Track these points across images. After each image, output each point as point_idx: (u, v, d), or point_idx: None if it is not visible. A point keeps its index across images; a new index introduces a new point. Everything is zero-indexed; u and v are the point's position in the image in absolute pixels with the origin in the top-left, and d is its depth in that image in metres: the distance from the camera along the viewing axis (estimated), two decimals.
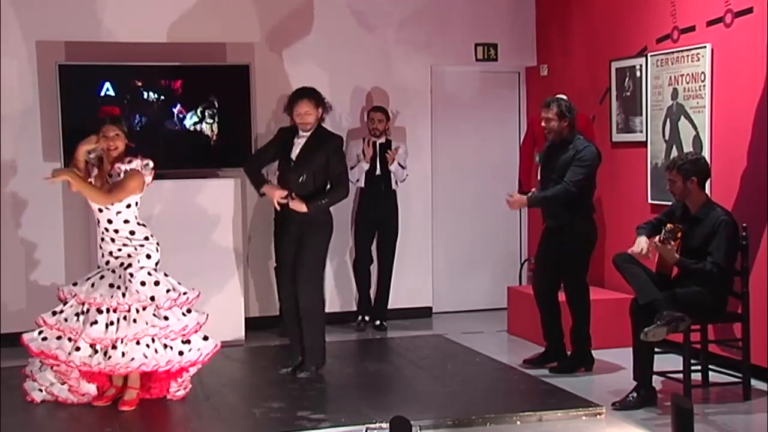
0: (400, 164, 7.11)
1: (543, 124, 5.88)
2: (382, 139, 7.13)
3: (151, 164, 5.10)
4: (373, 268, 7.32)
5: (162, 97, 6.71)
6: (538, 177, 6.16)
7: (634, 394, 5.16)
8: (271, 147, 5.71)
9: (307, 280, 5.52)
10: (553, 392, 5.38)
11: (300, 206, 5.48)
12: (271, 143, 5.74)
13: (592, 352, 5.97)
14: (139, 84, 6.65)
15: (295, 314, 5.59)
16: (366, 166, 7.06)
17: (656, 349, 5.18)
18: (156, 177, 6.46)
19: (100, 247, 5.11)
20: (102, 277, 5.08)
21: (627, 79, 6.77)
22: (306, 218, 5.49)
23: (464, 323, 7.37)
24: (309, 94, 5.55)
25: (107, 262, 5.10)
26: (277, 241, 5.65)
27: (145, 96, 6.67)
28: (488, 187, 7.68)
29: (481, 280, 7.87)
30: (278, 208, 5.54)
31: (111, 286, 5.02)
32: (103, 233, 5.07)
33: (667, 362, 5.31)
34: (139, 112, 6.66)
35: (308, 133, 5.54)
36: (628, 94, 6.76)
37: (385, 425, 4.47)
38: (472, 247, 7.89)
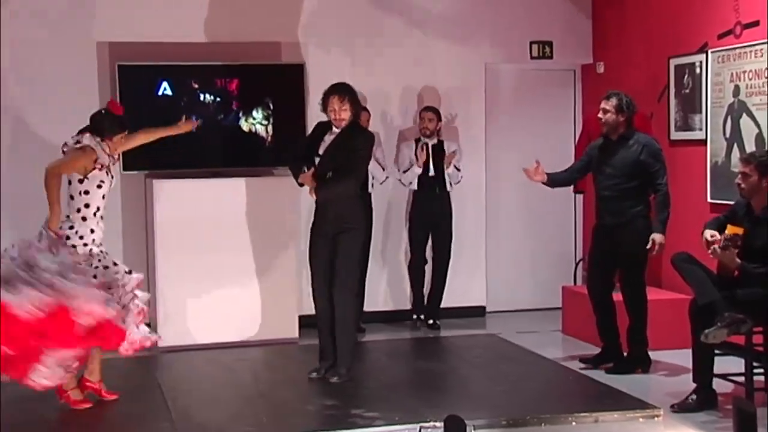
0: (456, 167, 7.06)
1: (600, 114, 5.80)
2: (434, 140, 7.08)
3: None
4: (427, 268, 7.28)
5: (218, 98, 6.78)
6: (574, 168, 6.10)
7: (694, 396, 5.06)
8: (305, 142, 5.63)
9: (342, 288, 5.41)
10: (610, 393, 5.30)
11: (310, 181, 5.33)
12: (306, 138, 5.70)
13: (650, 353, 5.86)
14: (196, 86, 6.74)
15: (330, 319, 5.48)
16: (418, 171, 7.02)
17: (716, 351, 5.06)
18: (211, 176, 6.66)
19: (92, 231, 4.98)
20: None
21: (686, 76, 6.64)
22: (340, 218, 5.38)
23: (518, 323, 7.32)
24: (341, 90, 5.40)
25: (100, 245, 5.08)
26: (312, 240, 5.52)
27: (201, 98, 6.75)
28: (542, 187, 7.41)
29: (536, 279, 7.81)
30: (314, 197, 5.42)
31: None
32: (96, 212, 5.03)
33: (728, 364, 5.18)
34: (195, 112, 6.65)
35: (339, 130, 5.43)
36: (687, 91, 6.63)
37: (439, 424, 4.44)
38: (526, 246, 7.83)
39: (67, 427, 4.91)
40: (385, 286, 7.41)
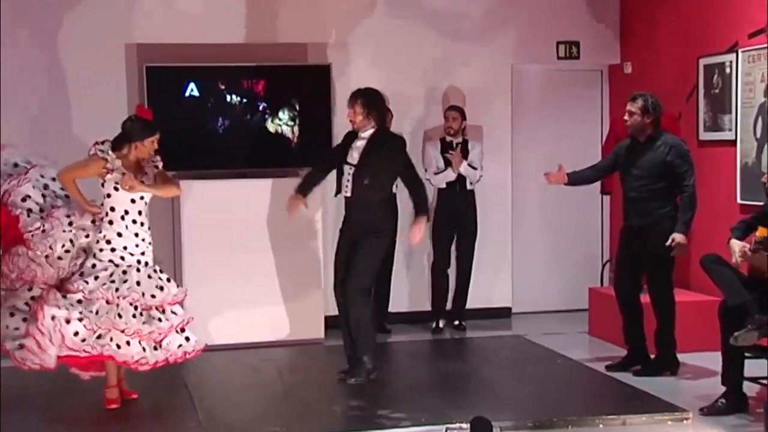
0: (471, 166, 7.02)
1: (625, 117, 5.77)
2: (458, 139, 7.07)
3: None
4: (451, 271, 7.25)
5: (244, 100, 6.81)
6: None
7: (724, 400, 5.00)
8: (337, 151, 5.68)
9: (355, 289, 5.44)
10: (637, 395, 5.26)
11: (421, 227, 5.49)
12: (336, 148, 5.77)
13: (678, 355, 5.81)
14: (222, 87, 6.77)
15: (348, 319, 5.54)
16: (453, 176, 6.99)
17: (746, 354, 5.00)
18: (237, 177, 6.68)
19: (120, 235, 4.99)
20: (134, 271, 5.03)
21: (716, 76, 6.57)
22: (367, 222, 5.44)
23: (544, 324, 7.28)
24: (355, 95, 5.55)
25: (142, 253, 5.08)
26: (340, 243, 5.61)
27: (228, 99, 6.78)
28: (569, 187, 7.40)
29: (562, 280, 7.76)
30: (292, 215, 5.62)
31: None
32: (129, 224, 5.04)
33: (759, 367, 5.10)
34: (223, 114, 6.78)
35: (367, 135, 5.50)
36: (717, 91, 6.56)
37: (466, 425, 4.44)
38: (553, 247, 7.80)
39: (94, 426, 4.95)
40: (409, 287, 7.40)
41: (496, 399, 5.26)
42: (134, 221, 5.06)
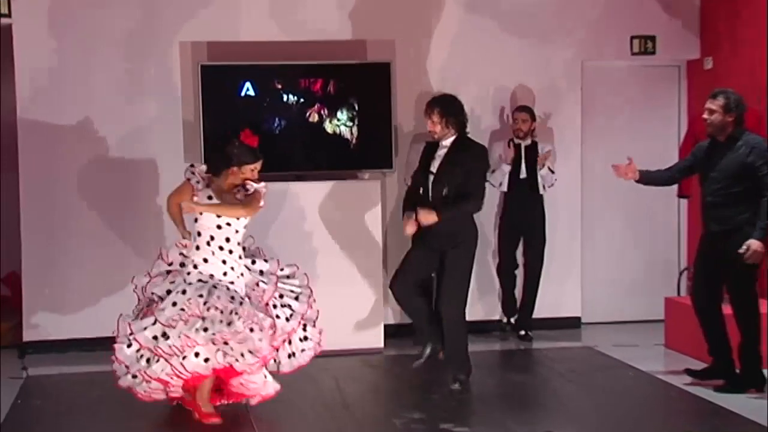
0: (550, 168, 7.01)
1: (705, 115, 5.68)
2: (528, 141, 7.04)
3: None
4: (518, 273, 7.26)
5: (301, 99, 6.85)
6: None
7: None
8: (421, 162, 5.76)
9: (451, 298, 5.55)
10: (719, 413, 5.19)
11: (429, 217, 5.49)
12: (420, 160, 5.79)
13: (765, 371, 5.71)
14: (279, 86, 6.81)
15: (429, 313, 5.65)
16: (507, 169, 7.01)
17: None
18: (294, 179, 6.73)
19: (206, 261, 5.04)
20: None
21: None
22: (449, 233, 5.50)
23: (616, 335, 7.22)
24: (431, 105, 5.67)
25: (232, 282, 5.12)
26: (415, 250, 5.69)
27: (285, 98, 6.83)
28: (643, 191, 7.23)
29: (636, 289, 7.68)
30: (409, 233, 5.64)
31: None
32: (216, 250, 5.07)
33: None
34: (279, 114, 6.83)
35: (449, 143, 5.59)
36: None
37: None
38: (626, 253, 7.72)
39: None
40: (476, 295, 7.34)
41: (564, 413, 5.23)
42: (221, 248, 5.05)
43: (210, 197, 5.07)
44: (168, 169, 6.70)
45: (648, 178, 5.97)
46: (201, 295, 4.92)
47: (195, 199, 5.07)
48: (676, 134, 7.72)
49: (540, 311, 7.27)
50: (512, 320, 7.23)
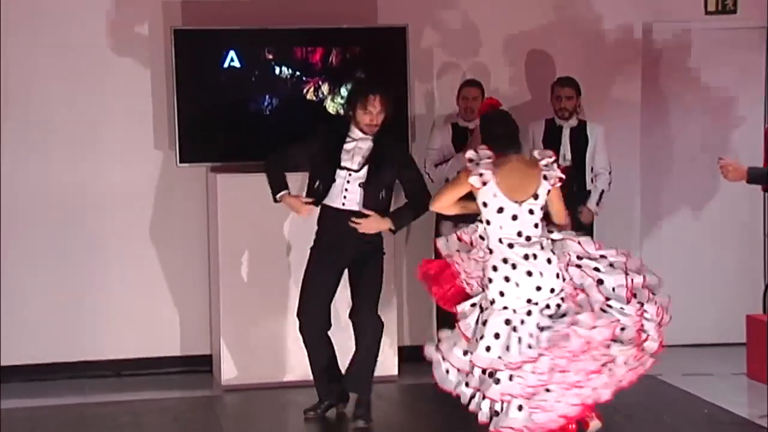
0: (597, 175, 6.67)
1: None
2: (573, 122, 6.65)
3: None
4: None
5: (297, 72, 6.62)
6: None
7: None
8: (312, 147, 5.67)
9: (372, 313, 5.61)
10: None
11: (380, 225, 5.49)
12: (309, 145, 5.68)
13: None
14: (270, 56, 6.61)
15: (324, 340, 5.72)
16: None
17: None
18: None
19: (495, 269, 4.84)
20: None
21: None
22: (363, 241, 5.53)
23: (686, 362, 6.87)
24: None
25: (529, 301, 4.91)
26: (317, 261, 5.66)
27: (277, 71, 6.60)
28: (718, 184, 7.06)
29: (710, 306, 7.33)
30: (303, 215, 5.64)
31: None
32: (500, 241, 4.88)
33: None
34: (270, 91, 6.61)
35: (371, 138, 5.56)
36: None
37: None
38: (697, 263, 7.38)
39: None
40: None
41: None
42: (511, 245, 4.85)
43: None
44: (135, 160, 6.61)
45: (755, 176, 5.39)
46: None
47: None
48: (761, 112, 7.37)
49: None
50: None
